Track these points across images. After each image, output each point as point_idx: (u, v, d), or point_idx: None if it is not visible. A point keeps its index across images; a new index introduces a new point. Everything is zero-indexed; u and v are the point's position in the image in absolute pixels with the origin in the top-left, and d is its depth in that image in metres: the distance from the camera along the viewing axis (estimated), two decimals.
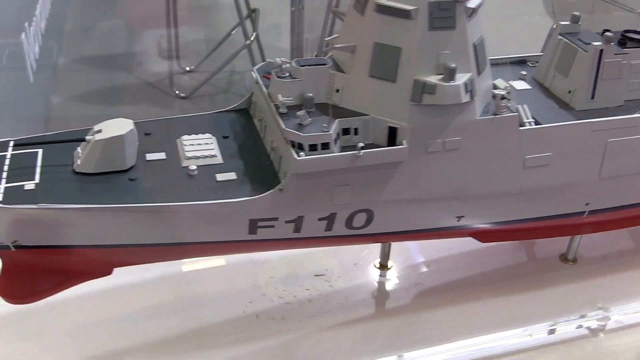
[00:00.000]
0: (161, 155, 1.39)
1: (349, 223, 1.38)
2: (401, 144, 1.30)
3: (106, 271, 1.45)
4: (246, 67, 3.08)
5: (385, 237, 1.47)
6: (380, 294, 1.66)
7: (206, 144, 1.41)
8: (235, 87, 3.49)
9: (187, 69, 3.30)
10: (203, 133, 1.44)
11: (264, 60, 2.83)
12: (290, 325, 1.56)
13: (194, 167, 1.34)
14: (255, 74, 1.47)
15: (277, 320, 1.58)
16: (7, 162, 1.35)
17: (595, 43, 1.43)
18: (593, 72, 1.44)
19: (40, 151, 1.37)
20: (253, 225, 1.34)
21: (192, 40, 3.65)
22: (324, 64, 1.35)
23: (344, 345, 1.51)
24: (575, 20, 1.52)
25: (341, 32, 1.42)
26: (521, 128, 1.36)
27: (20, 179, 1.30)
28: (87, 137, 1.32)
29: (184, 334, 1.54)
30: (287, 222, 1.34)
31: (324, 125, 1.27)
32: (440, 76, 1.27)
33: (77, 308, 1.58)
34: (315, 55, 1.45)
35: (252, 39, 4.11)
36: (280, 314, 1.59)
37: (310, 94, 1.32)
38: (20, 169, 1.32)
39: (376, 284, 1.68)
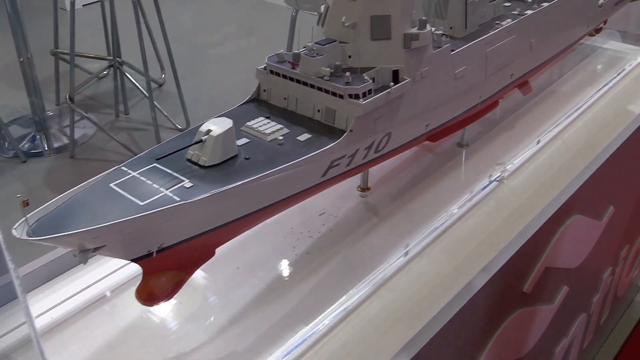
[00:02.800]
0: (244, 140, 1.74)
1: (377, 147, 1.92)
2: (404, 80, 1.88)
3: (212, 254, 1.73)
4: None
5: (395, 152, 2.03)
6: (372, 207, 2.21)
7: (268, 122, 1.80)
8: None
9: None
10: (254, 119, 1.81)
11: None
12: (336, 248, 2.01)
13: (281, 137, 1.73)
14: (269, 64, 1.89)
15: (323, 249, 2.02)
16: (142, 178, 1.55)
17: None
18: (463, 11, 2.20)
19: (156, 164, 1.60)
20: (329, 167, 1.79)
21: None
22: (334, 41, 1.85)
23: (381, 241, 2.04)
24: None
25: (329, 19, 1.91)
26: (452, 53, 2.05)
27: (171, 184, 1.53)
28: (203, 138, 1.61)
29: (262, 290, 1.86)
30: (348, 157, 1.82)
31: (365, 78, 1.78)
32: (416, 28, 1.88)
33: None
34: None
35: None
36: (322, 244, 2.03)
37: (338, 62, 1.82)
38: (160, 180, 1.55)
39: (363, 203, 2.23)
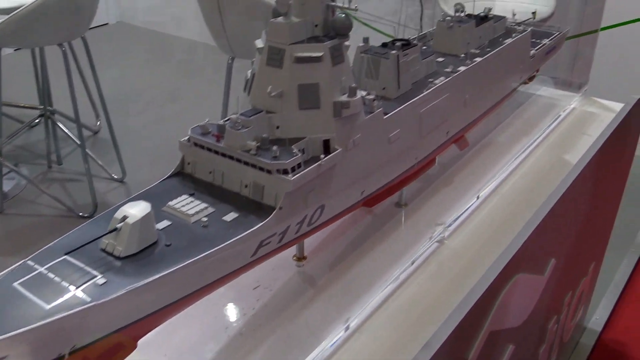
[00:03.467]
0: (166, 223, 1.62)
1: (310, 221, 1.83)
2: (335, 150, 1.80)
3: (132, 347, 1.60)
4: None
5: (329, 222, 1.94)
6: (309, 277, 2.11)
7: (191, 201, 1.68)
8: None
9: None
10: (178, 197, 1.70)
11: None
12: (271, 325, 1.90)
13: (205, 218, 1.62)
14: (192, 136, 1.78)
15: (258, 328, 1.90)
16: (50, 275, 1.42)
17: (392, 52, 2.13)
18: (396, 71, 2.14)
19: (66, 257, 1.47)
20: (258, 247, 1.69)
21: None
22: (261, 111, 1.76)
23: (319, 315, 1.93)
24: (366, 41, 2.19)
25: (254, 87, 1.82)
26: (385, 117, 1.98)
27: (82, 281, 1.40)
28: (117, 226, 1.49)
29: None
30: (279, 234, 1.72)
31: (293, 151, 1.69)
32: (346, 95, 1.80)
33: None
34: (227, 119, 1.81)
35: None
36: (257, 321, 1.92)
37: (265, 135, 1.72)
38: (70, 276, 1.42)
39: (299, 273, 2.12)
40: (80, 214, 4.71)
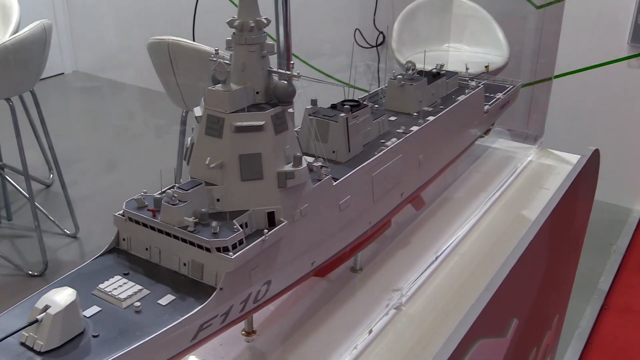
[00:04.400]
0: (95, 309, 1.49)
1: (255, 298, 1.71)
2: (280, 223, 1.70)
3: None
4: None
5: (277, 296, 1.83)
6: (259, 353, 1.99)
7: (125, 283, 1.56)
8: None
9: None
10: (109, 278, 1.58)
11: None
12: None
13: (138, 303, 1.50)
14: (126, 211, 1.67)
15: None
16: None
17: (341, 115, 2.05)
18: (345, 134, 2.06)
19: None
20: (198, 330, 1.57)
21: None
22: (200, 184, 1.66)
23: None
24: (314, 103, 2.11)
25: (193, 158, 1.72)
26: (334, 183, 1.90)
27: None
28: (38, 317, 1.36)
29: None
30: (220, 315, 1.61)
31: (235, 227, 1.59)
32: (291, 164, 1.72)
33: None
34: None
35: None
36: None
37: (204, 209, 1.62)
38: None
39: (249, 348, 2.00)
40: (30, 272, 4.53)
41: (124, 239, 1.72)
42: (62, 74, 8.64)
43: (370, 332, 2.06)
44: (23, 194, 4.98)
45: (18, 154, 4.50)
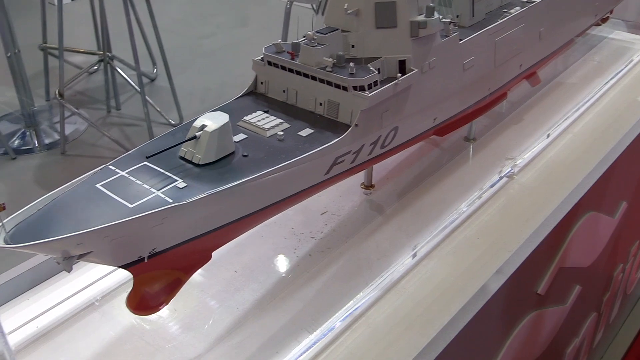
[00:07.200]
0: (242, 136, 1.62)
1: (383, 143, 1.80)
2: (411, 71, 1.76)
3: (208, 258, 1.61)
4: None
5: (401, 148, 1.92)
6: (376, 205, 2.10)
7: (267, 117, 1.68)
8: None
9: None
10: (251, 113, 1.70)
11: None
12: (340, 249, 1.90)
13: (281, 132, 1.61)
14: (266, 54, 1.77)
15: (326, 250, 1.90)
16: (132, 178, 1.44)
17: None
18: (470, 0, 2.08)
19: (146, 162, 1.48)
20: (332, 164, 1.67)
21: None
22: (336, 29, 1.73)
23: (387, 242, 1.93)
24: None
25: (330, 5, 1.79)
26: (460, 42, 1.93)
27: (163, 184, 1.41)
28: (197, 134, 1.49)
29: (263, 295, 1.74)
30: (353, 153, 1.71)
31: (370, 69, 1.67)
32: (423, 15, 1.76)
33: None
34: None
35: None
36: (325, 245, 1.92)
37: (341, 52, 1.70)
38: (150, 180, 1.43)
39: (367, 201, 2.11)
40: None
41: (261, 83, 1.82)
42: None
43: (481, 196, 2.13)
44: (133, 86, 5.19)
45: (126, 47, 4.67)
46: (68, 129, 5.16)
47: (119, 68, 5.37)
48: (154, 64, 5.84)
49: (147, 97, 4.95)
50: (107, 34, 5.23)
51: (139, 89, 4.85)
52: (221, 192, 1.40)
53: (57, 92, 4.83)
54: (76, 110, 4.90)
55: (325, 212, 2.05)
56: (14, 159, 4.80)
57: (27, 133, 5.05)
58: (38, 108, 5.26)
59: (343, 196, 2.11)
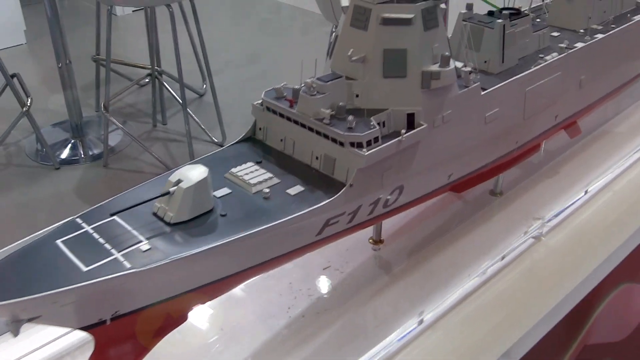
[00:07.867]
0: (226, 190, 1.50)
1: (385, 203, 1.65)
2: (420, 126, 1.61)
3: (182, 319, 1.50)
4: None
5: (409, 206, 1.76)
6: (384, 262, 1.94)
7: (256, 170, 1.55)
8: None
9: None
10: (243, 163, 1.58)
11: None
12: (337, 311, 1.76)
13: (267, 189, 1.49)
14: (265, 100, 1.65)
15: (322, 312, 1.76)
16: (95, 235, 1.34)
17: (498, 21, 1.89)
18: (500, 43, 1.90)
19: (114, 218, 1.38)
20: (324, 225, 1.53)
21: None
22: (340, 77, 1.60)
23: (390, 306, 1.77)
24: (469, 7, 1.96)
25: (336, 50, 1.66)
26: (482, 93, 1.76)
27: (125, 245, 1.31)
28: (171, 189, 1.38)
29: (252, 353, 1.65)
30: (348, 214, 1.56)
31: (371, 123, 1.52)
32: (437, 64, 1.60)
33: None
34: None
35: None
36: (321, 306, 1.78)
37: (342, 103, 1.56)
38: (114, 239, 1.33)
39: (375, 257, 1.96)
40: None
41: (260, 129, 1.70)
42: None
43: (503, 257, 1.94)
44: (178, 101, 5.19)
45: (175, 62, 4.67)
46: (114, 141, 5.20)
47: (168, 82, 5.38)
48: (204, 79, 5.83)
49: (194, 113, 4.92)
50: (158, 48, 5.25)
51: (181, 102, 4.82)
52: (186, 258, 1.28)
53: (102, 105, 4.87)
54: (120, 125, 4.92)
55: (327, 267, 1.91)
56: (58, 169, 4.86)
57: (74, 143, 5.11)
58: (86, 118, 5.31)
59: (350, 250, 1.97)
